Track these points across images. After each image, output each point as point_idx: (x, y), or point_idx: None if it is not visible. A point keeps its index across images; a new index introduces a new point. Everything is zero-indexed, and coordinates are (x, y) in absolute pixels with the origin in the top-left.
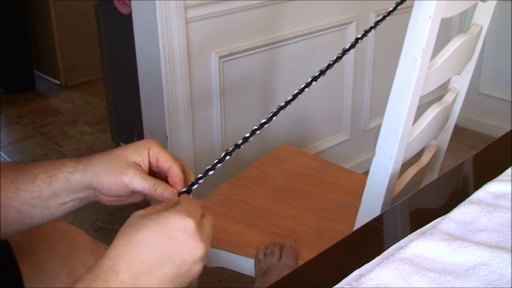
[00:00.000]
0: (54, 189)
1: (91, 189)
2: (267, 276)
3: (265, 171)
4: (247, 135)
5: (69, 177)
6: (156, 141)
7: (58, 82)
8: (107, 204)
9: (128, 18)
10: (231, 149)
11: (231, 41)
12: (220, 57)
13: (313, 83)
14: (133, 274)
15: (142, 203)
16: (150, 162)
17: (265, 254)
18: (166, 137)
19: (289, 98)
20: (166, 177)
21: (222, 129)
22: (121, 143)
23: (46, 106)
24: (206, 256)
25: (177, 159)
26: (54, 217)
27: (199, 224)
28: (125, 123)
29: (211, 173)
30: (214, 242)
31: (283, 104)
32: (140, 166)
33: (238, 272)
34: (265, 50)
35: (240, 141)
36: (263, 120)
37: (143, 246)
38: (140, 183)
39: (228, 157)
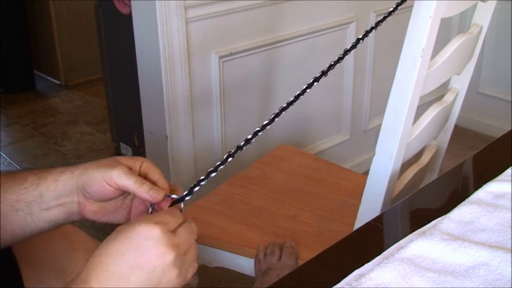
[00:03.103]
0: (41, 190)
1: (77, 192)
2: (267, 276)
3: (265, 171)
4: (249, 136)
5: (58, 178)
6: (149, 160)
7: (58, 82)
8: (90, 218)
9: (128, 18)
10: (233, 151)
11: (231, 41)
12: (220, 57)
13: (315, 83)
14: (102, 284)
15: None
16: (140, 174)
17: (265, 254)
18: (166, 137)
19: (291, 99)
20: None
21: (222, 129)
22: (121, 143)
23: (46, 106)
24: (198, 257)
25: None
26: (35, 227)
27: (170, 231)
28: (124, 123)
29: (213, 175)
30: (214, 242)
31: (285, 105)
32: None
33: (238, 272)
34: (265, 50)
35: (242, 143)
36: (265, 122)
37: (111, 257)
38: (127, 178)
39: (230, 159)
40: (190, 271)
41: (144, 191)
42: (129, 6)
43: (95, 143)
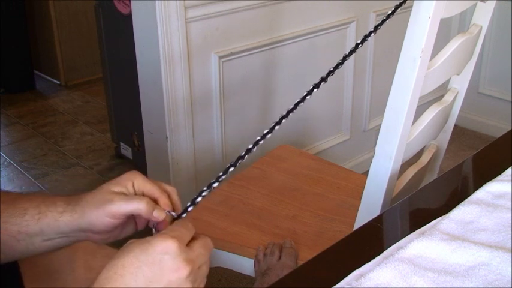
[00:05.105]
0: (42, 226)
1: (80, 232)
2: (267, 276)
3: (265, 171)
4: (250, 146)
5: (58, 218)
6: (139, 174)
7: (58, 82)
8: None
9: (128, 18)
10: (234, 161)
11: (231, 41)
12: (220, 57)
13: (314, 90)
14: None
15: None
16: (136, 194)
17: (265, 254)
18: (166, 137)
19: (291, 107)
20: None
21: (222, 129)
22: (121, 143)
23: (46, 106)
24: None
25: (162, 185)
26: (37, 252)
27: (186, 246)
28: (124, 123)
29: (215, 185)
30: (214, 242)
31: (285, 113)
32: (125, 194)
33: (238, 272)
34: (265, 50)
35: (243, 153)
36: (266, 131)
37: (127, 269)
38: (128, 204)
39: (231, 169)
40: (202, 285)
41: (149, 212)
42: (129, 6)
43: (95, 143)
